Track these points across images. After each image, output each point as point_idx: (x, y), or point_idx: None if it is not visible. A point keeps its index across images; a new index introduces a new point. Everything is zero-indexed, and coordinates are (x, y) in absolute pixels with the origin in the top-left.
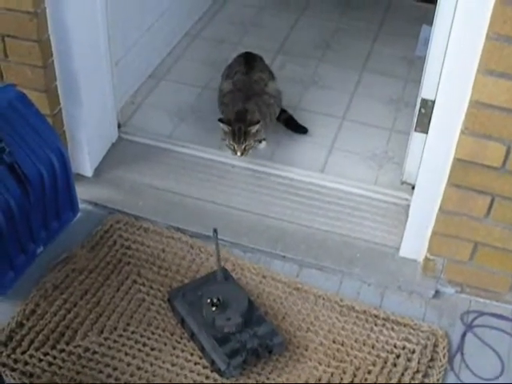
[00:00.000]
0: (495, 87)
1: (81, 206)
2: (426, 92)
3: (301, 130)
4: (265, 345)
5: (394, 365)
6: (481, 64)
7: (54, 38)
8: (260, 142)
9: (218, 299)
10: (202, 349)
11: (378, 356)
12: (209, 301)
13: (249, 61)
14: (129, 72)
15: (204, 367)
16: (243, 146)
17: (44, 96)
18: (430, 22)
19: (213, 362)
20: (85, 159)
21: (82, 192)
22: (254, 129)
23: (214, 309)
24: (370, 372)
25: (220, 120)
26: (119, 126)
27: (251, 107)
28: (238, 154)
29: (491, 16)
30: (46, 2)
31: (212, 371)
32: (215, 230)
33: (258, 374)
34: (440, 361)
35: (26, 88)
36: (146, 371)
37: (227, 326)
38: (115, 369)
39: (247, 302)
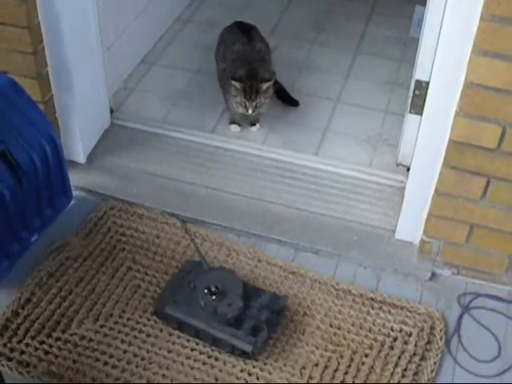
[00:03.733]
0: (490, 68)
1: (74, 192)
2: (420, 73)
3: (292, 102)
4: (276, 311)
5: (391, 348)
6: (475, 45)
7: (44, 24)
8: (269, 98)
9: (216, 287)
10: (215, 341)
11: (374, 339)
12: (206, 291)
13: (245, 30)
14: (120, 57)
15: (201, 353)
16: (254, 103)
17: (35, 83)
18: (424, 3)
19: (233, 349)
20: (77, 146)
21: (75, 179)
22: (265, 86)
23: (213, 297)
24: (367, 356)
25: (232, 78)
26: (112, 112)
27: (261, 66)
28: (250, 111)
29: None
30: None
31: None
32: (183, 221)
33: (255, 360)
34: (437, 343)
35: (16, 75)
36: (143, 358)
37: (230, 311)
38: (111, 356)
39: (241, 282)
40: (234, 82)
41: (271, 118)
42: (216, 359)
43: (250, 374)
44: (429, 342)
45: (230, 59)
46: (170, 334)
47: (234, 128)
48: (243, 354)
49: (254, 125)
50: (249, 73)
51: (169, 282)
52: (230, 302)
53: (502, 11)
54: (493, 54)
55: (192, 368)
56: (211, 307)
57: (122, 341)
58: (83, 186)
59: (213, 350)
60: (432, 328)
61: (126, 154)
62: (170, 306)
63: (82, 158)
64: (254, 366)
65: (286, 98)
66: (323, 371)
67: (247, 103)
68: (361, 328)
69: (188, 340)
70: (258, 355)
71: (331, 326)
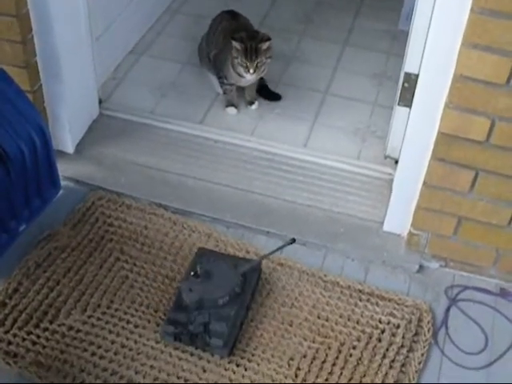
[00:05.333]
0: (480, 61)
1: (62, 182)
2: (409, 66)
3: (274, 97)
4: (203, 339)
5: (379, 340)
6: (465, 37)
7: (34, 13)
8: (270, 57)
9: (207, 272)
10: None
11: (362, 331)
12: (199, 268)
13: (234, 15)
14: (109, 47)
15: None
16: (255, 63)
17: (24, 72)
18: None
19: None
20: (66, 136)
21: (63, 169)
22: (265, 45)
23: (192, 274)
24: (354, 347)
25: (233, 38)
26: (100, 102)
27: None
28: (251, 70)
29: None
30: None
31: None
32: (293, 240)
33: (242, 351)
34: (424, 335)
35: (5, 64)
36: (131, 349)
37: (185, 295)
38: (99, 347)
39: (225, 298)
40: (234, 43)
41: (260, 110)
42: (204, 350)
43: (238, 365)
44: (416, 334)
45: (221, 37)
46: (158, 325)
47: (231, 110)
48: None
49: (252, 103)
50: (248, 34)
51: (229, 254)
52: (191, 288)
53: (491, 4)
54: (482, 47)
55: (180, 358)
56: (187, 284)
57: (110, 331)
58: (71, 176)
59: None
60: (420, 320)
61: (115, 145)
62: (197, 257)
63: (70, 148)
64: (241, 357)
65: (267, 94)
66: (311, 363)
67: (248, 63)
68: (349, 320)
69: None
70: (163, 341)
71: (319, 317)
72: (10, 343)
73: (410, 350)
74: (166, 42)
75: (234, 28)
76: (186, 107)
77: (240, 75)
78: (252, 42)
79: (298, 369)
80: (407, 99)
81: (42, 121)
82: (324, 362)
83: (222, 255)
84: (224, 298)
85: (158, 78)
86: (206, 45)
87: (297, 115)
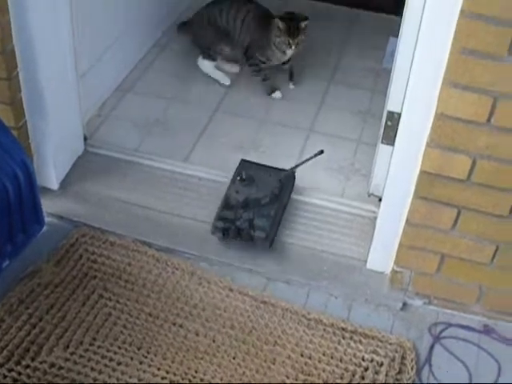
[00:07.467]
0: (460, 100)
1: (46, 219)
2: (391, 104)
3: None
4: (248, 233)
5: (362, 378)
6: (446, 77)
7: (19, 49)
8: (306, 35)
9: (251, 177)
10: None
11: (345, 369)
12: (244, 174)
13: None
14: (95, 84)
15: (171, 382)
16: (296, 40)
17: (9, 108)
18: (397, 34)
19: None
20: (50, 172)
21: (47, 205)
22: (303, 24)
23: (238, 178)
24: None
25: (278, 17)
26: (85, 139)
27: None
28: (293, 47)
29: (456, 29)
30: (9, 11)
31: None
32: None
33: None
34: (408, 373)
35: None
36: None
37: (232, 196)
38: None
39: (266, 199)
40: (279, 22)
41: (245, 149)
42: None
43: None
44: (400, 372)
45: (253, 25)
46: (141, 362)
47: (277, 94)
48: None
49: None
50: (288, 14)
51: (269, 166)
52: (238, 190)
53: (471, 44)
54: (463, 86)
55: None
56: (234, 186)
57: (92, 369)
58: (55, 212)
59: (183, 379)
60: (403, 358)
61: (99, 182)
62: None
63: (54, 185)
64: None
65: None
66: None
67: (290, 40)
68: (332, 358)
69: (158, 368)
70: (213, 235)
71: (302, 355)
72: None
73: None
74: (153, 79)
75: (266, 15)
76: (172, 144)
77: (283, 52)
78: (293, 22)
79: None
80: (390, 137)
81: (27, 157)
82: None
83: (261, 166)
84: (265, 199)
85: (144, 114)
86: (228, 35)
87: (281, 152)
